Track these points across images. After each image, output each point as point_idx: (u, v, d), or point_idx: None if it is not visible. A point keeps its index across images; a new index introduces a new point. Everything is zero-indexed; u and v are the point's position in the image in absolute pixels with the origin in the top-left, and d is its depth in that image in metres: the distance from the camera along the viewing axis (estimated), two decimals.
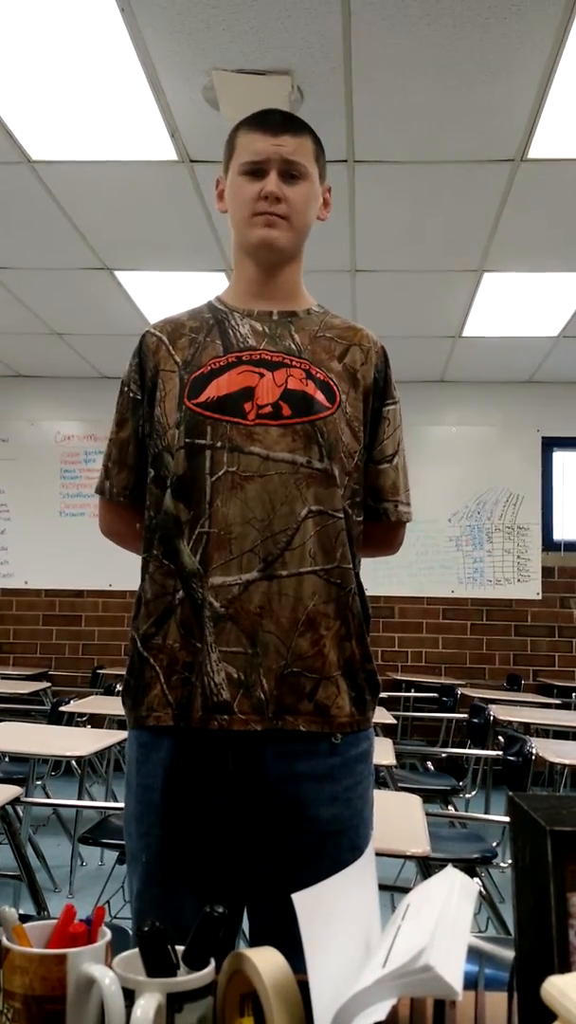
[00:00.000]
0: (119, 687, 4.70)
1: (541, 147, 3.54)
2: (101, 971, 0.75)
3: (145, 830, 1.36)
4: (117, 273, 4.96)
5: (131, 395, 1.49)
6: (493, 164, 3.69)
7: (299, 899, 0.77)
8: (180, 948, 0.79)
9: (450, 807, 4.28)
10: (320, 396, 1.40)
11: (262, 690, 1.32)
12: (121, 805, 1.44)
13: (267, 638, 1.33)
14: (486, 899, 2.94)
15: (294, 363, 1.42)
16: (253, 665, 1.32)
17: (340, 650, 1.37)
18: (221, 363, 1.42)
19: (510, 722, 4.79)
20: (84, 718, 5.03)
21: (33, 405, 7.11)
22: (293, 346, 1.44)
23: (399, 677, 6.64)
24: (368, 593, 1.48)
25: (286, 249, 1.46)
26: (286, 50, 3.00)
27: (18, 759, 4.32)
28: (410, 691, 6.51)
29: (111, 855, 4.03)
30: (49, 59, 3.03)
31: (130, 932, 1.36)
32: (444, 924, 0.72)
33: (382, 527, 1.52)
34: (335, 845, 1.33)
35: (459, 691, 6.03)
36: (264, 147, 1.42)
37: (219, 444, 1.37)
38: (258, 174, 1.42)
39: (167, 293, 5.16)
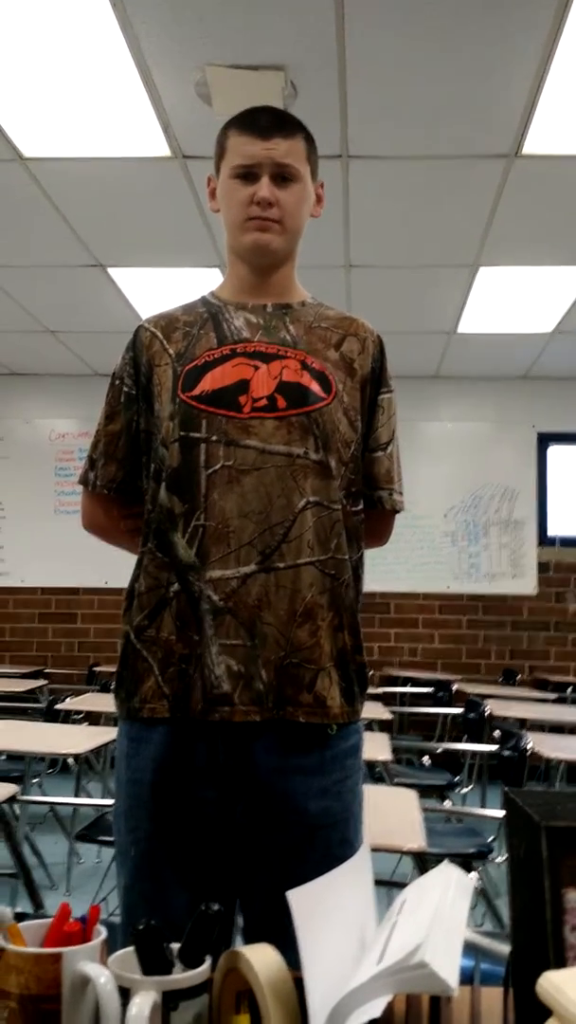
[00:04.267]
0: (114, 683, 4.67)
1: (536, 142, 3.54)
2: (96, 970, 0.74)
3: (134, 825, 1.35)
4: (110, 270, 4.95)
5: (124, 389, 1.49)
6: (488, 159, 3.69)
7: (294, 896, 0.77)
8: (175, 946, 0.78)
9: (446, 802, 4.28)
10: (315, 387, 1.40)
11: (261, 681, 1.32)
12: None
13: (266, 630, 1.33)
14: (482, 894, 2.95)
15: (289, 354, 1.42)
16: (252, 657, 1.32)
17: (333, 641, 1.38)
18: (215, 355, 1.42)
19: (506, 717, 4.79)
20: (80, 715, 5.02)
21: (27, 403, 7.10)
22: (288, 337, 1.44)
23: (395, 673, 6.64)
24: (364, 589, 1.48)
25: (279, 252, 1.47)
26: (279, 45, 2.99)
27: (14, 757, 4.32)
28: (406, 686, 6.51)
29: (108, 852, 4.02)
30: (40, 55, 3.02)
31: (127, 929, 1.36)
32: (440, 920, 0.72)
33: (375, 515, 1.52)
34: (325, 838, 1.33)
35: (455, 686, 6.03)
36: (255, 151, 1.41)
37: (214, 438, 1.37)
38: (250, 178, 1.42)
39: (161, 289, 5.15)
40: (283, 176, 1.42)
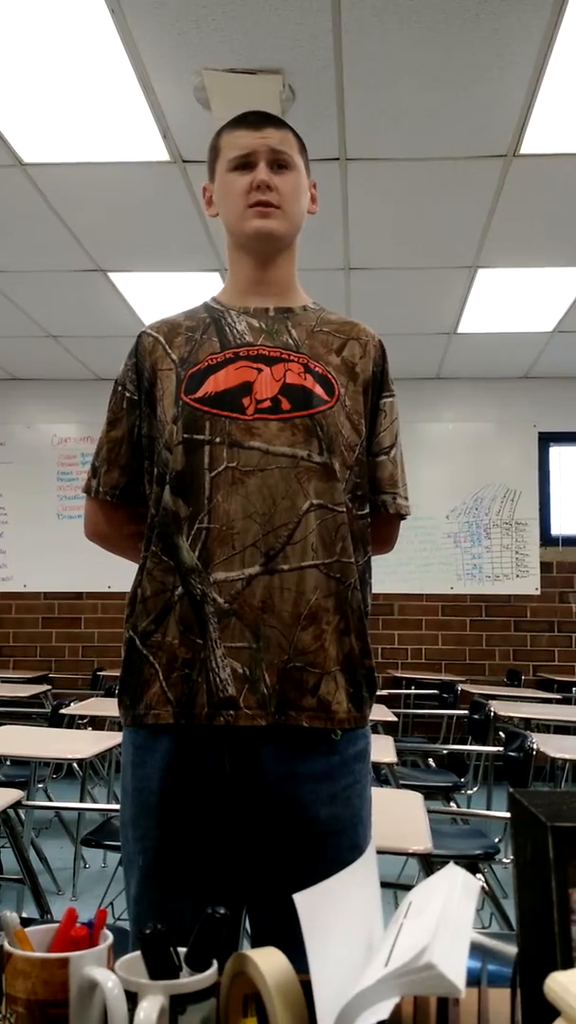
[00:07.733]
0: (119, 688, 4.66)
1: (533, 142, 3.54)
2: (103, 974, 0.74)
3: (142, 834, 1.35)
4: (111, 275, 4.96)
5: (127, 395, 1.48)
6: (486, 160, 3.69)
7: (300, 899, 0.77)
8: (182, 950, 0.78)
9: (452, 804, 4.28)
10: (319, 390, 1.40)
11: (265, 685, 1.32)
12: None
13: (269, 632, 1.32)
14: (489, 895, 2.94)
15: (292, 357, 1.42)
16: (256, 660, 1.32)
17: (339, 645, 1.37)
18: (218, 359, 1.42)
19: (511, 718, 4.79)
20: (85, 720, 5.02)
21: (29, 408, 7.11)
22: (291, 341, 1.44)
23: (399, 674, 6.64)
24: None
25: (282, 237, 1.47)
26: (277, 49, 2.99)
27: (19, 762, 4.32)
28: (410, 688, 6.51)
29: (113, 857, 4.03)
30: (40, 62, 3.03)
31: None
32: (446, 922, 0.72)
33: (380, 520, 1.51)
34: (334, 845, 1.32)
35: (459, 687, 6.03)
36: (250, 141, 1.45)
37: (218, 439, 1.37)
38: (247, 167, 1.45)
39: (161, 294, 5.16)
40: (279, 163, 1.45)
